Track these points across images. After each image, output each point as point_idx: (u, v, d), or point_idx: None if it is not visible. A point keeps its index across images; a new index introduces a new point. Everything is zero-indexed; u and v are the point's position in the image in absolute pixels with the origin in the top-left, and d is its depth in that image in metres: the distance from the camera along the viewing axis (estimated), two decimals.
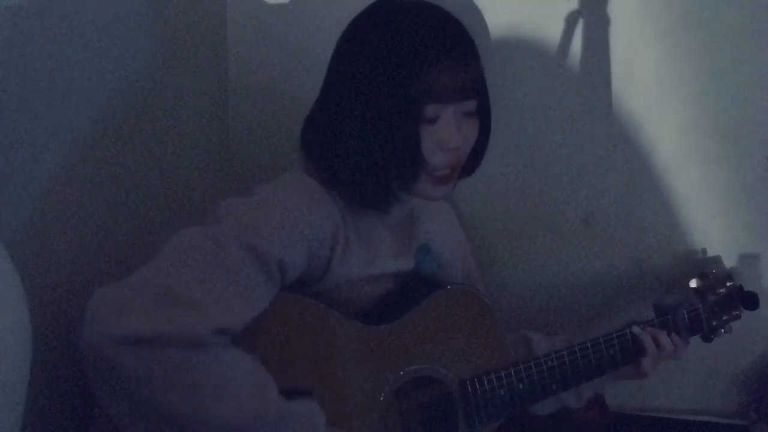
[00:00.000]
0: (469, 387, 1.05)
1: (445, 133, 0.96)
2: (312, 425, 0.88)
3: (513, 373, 1.07)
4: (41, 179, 0.93)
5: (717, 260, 1.28)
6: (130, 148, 1.11)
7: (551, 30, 1.26)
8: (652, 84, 1.26)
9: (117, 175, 1.08)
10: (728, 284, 1.24)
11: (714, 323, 1.22)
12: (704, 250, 1.31)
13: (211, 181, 1.35)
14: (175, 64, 1.22)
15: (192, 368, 0.79)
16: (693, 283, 1.24)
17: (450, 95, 0.95)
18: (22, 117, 0.88)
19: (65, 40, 0.95)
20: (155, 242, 0.86)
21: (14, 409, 0.68)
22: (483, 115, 1.03)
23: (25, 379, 0.69)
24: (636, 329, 1.14)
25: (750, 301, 1.24)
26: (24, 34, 0.87)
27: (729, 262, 1.30)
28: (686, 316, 1.18)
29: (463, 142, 0.99)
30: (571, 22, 1.25)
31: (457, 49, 0.96)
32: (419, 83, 0.93)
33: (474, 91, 0.98)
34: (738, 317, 1.24)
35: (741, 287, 1.25)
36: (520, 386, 1.07)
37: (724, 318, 1.23)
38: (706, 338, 1.23)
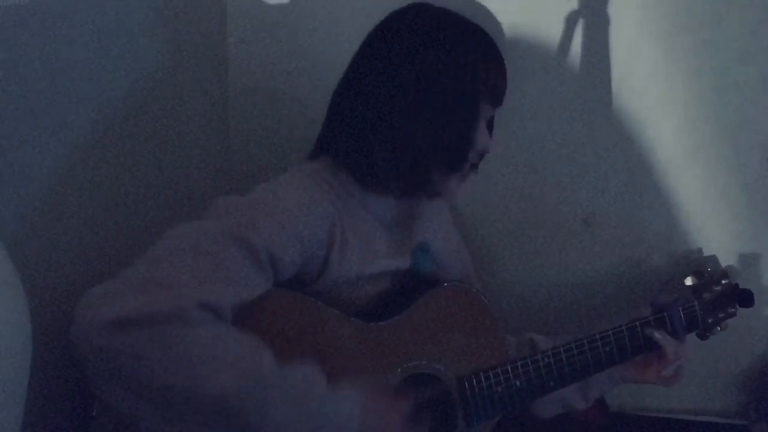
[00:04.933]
0: (466, 384, 1.06)
1: (485, 136, 1.05)
2: (312, 385, 0.87)
3: (510, 370, 1.08)
4: (41, 179, 0.93)
5: (712, 259, 1.28)
6: (130, 148, 1.11)
7: (551, 30, 1.26)
8: (652, 84, 1.26)
9: (117, 175, 1.08)
10: (723, 282, 1.24)
11: (710, 320, 1.22)
12: (700, 250, 1.31)
13: (211, 181, 1.35)
14: (175, 64, 1.22)
15: (182, 341, 0.79)
16: (688, 281, 1.24)
17: (498, 99, 1.06)
18: (22, 117, 0.88)
19: (65, 40, 0.95)
20: (155, 242, 0.87)
21: (14, 409, 0.68)
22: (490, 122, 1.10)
23: (25, 379, 0.69)
24: (651, 332, 1.14)
25: (745, 298, 1.24)
26: (24, 34, 0.87)
27: (728, 261, 1.30)
28: (682, 313, 1.19)
29: (489, 144, 1.07)
30: (571, 22, 1.25)
31: (502, 57, 1.05)
32: (483, 82, 1.01)
33: (503, 99, 1.08)
34: (733, 314, 1.24)
35: (736, 285, 1.25)
36: (518, 383, 1.08)
37: (720, 315, 1.23)
38: (702, 336, 1.23)
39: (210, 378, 0.79)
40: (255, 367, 0.83)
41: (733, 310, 1.24)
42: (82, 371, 0.80)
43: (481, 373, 1.06)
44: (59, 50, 0.93)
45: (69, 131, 0.97)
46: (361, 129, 1.01)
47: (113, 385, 0.80)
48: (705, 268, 1.25)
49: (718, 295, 1.23)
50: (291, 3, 1.34)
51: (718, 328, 1.23)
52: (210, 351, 0.80)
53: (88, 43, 0.99)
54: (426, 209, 1.16)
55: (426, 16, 1.03)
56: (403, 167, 1.01)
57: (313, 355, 0.94)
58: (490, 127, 1.09)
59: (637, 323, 1.15)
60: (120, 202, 1.08)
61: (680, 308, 1.19)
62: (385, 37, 1.03)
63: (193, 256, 0.84)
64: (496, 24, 1.27)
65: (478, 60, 1.01)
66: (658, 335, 1.14)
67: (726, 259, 1.29)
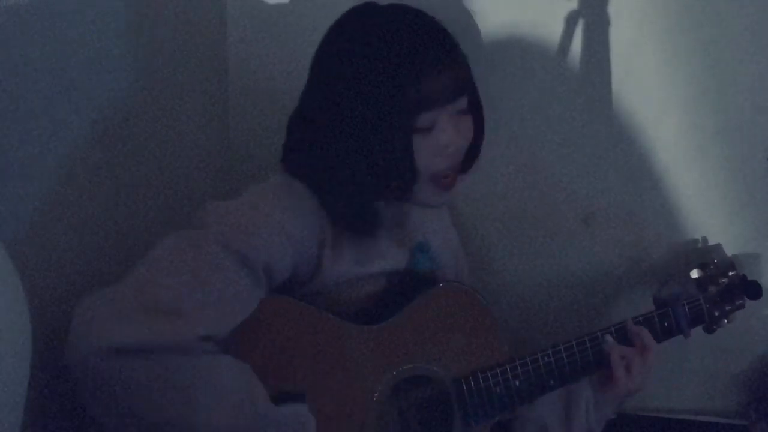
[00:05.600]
0: (464, 385, 1.05)
1: (445, 137, 0.96)
2: (302, 430, 0.88)
3: (508, 370, 1.07)
4: (41, 179, 0.93)
5: (718, 249, 1.27)
6: (130, 148, 1.11)
7: (551, 30, 1.26)
8: (652, 84, 1.26)
9: (117, 175, 1.08)
10: (730, 274, 1.22)
11: (716, 313, 1.21)
12: (704, 239, 1.30)
13: (211, 181, 1.35)
14: (175, 64, 1.22)
15: (179, 375, 0.79)
16: (694, 274, 1.22)
17: (442, 99, 0.95)
18: (22, 117, 0.88)
19: (65, 40, 0.95)
20: (155, 243, 0.87)
21: (14, 409, 0.68)
22: (475, 111, 1.03)
23: (25, 379, 0.69)
24: (609, 340, 1.10)
25: (753, 290, 1.22)
26: (24, 34, 0.87)
27: None
28: (686, 308, 1.17)
29: (463, 141, 0.99)
30: (571, 22, 1.25)
31: (442, 51, 0.95)
32: (410, 93, 0.92)
33: (463, 88, 0.98)
34: (741, 306, 1.23)
35: (744, 276, 1.23)
36: (516, 383, 1.07)
37: (727, 308, 1.21)
38: (709, 329, 1.22)
39: (205, 414, 0.79)
40: (249, 406, 0.83)
41: (741, 302, 1.23)
42: (75, 390, 0.80)
43: (479, 374, 1.06)
44: (59, 50, 0.93)
45: (69, 131, 0.97)
46: (302, 150, 1.00)
47: (105, 410, 0.80)
48: (711, 259, 1.23)
49: (725, 287, 1.21)
50: (291, 3, 1.34)
51: (725, 321, 1.21)
52: (205, 386, 0.80)
53: (87, 43, 0.99)
54: (425, 209, 1.15)
55: (354, 25, 0.97)
56: (352, 208, 0.97)
57: (310, 359, 0.94)
58: (478, 114, 1.03)
59: (640, 318, 1.14)
60: (120, 202, 1.08)
61: (685, 303, 1.18)
62: (318, 53, 1.00)
63: (192, 277, 0.83)
64: (496, 24, 1.27)
65: (396, 75, 0.92)
66: (607, 347, 1.09)
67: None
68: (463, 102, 0.99)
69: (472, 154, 1.05)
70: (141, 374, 0.77)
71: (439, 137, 0.96)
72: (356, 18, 0.98)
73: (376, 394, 0.99)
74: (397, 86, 0.92)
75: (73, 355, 0.78)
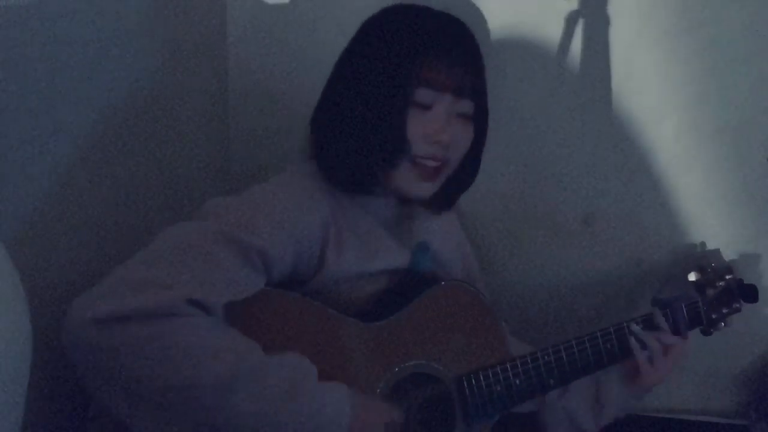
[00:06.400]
0: (465, 383, 1.05)
1: (434, 123, 0.99)
2: (302, 373, 0.87)
3: (509, 368, 1.07)
4: (41, 179, 0.93)
5: (716, 254, 1.27)
6: (130, 148, 1.11)
7: (551, 30, 1.26)
8: (652, 84, 1.26)
9: (117, 175, 1.08)
10: (727, 277, 1.23)
11: (713, 316, 1.21)
12: (703, 244, 1.31)
13: (211, 181, 1.35)
14: (175, 64, 1.22)
15: (171, 333, 0.80)
16: (692, 277, 1.22)
17: (444, 83, 0.98)
18: (22, 117, 0.88)
19: (65, 40, 0.95)
20: (148, 243, 0.87)
21: (14, 409, 0.68)
22: (479, 122, 1.05)
23: (25, 379, 0.69)
24: (635, 328, 1.13)
25: (749, 293, 1.23)
26: (24, 34, 0.87)
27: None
28: (685, 310, 1.18)
29: (452, 140, 1.01)
30: (571, 22, 1.25)
31: (458, 45, 1.00)
32: (413, 64, 0.97)
33: (471, 91, 1.01)
34: (738, 310, 1.23)
35: (741, 280, 1.24)
36: (517, 381, 1.07)
37: (724, 311, 1.22)
38: (706, 332, 1.22)
39: (201, 367, 0.80)
40: (246, 356, 0.84)
41: (737, 305, 1.23)
42: (75, 371, 0.81)
43: (480, 373, 1.06)
44: (59, 50, 0.93)
45: (69, 131, 0.97)
46: (317, 127, 1.04)
47: (105, 384, 0.81)
48: (709, 263, 1.24)
49: (722, 291, 1.22)
50: (291, 3, 1.34)
51: (723, 324, 1.22)
52: (200, 341, 0.81)
53: (87, 43, 0.99)
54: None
55: (376, 18, 1.03)
56: (346, 163, 1.00)
57: (311, 355, 0.94)
58: (481, 126, 1.05)
59: (639, 320, 1.14)
60: (120, 202, 1.08)
61: (683, 305, 1.18)
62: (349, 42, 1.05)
63: (184, 256, 0.85)
64: (496, 24, 1.27)
65: (407, 47, 0.97)
66: (635, 341, 1.12)
67: (726, 259, 1.29)
68: (467, 106, 1.01)
69: (471, 168, 1.07)
70: (131, 338, 0.78)
71: (431, 121, 0.99)
72: (387, 11, 1.04)
73: (377, 392, 0.99)
74: (406, 54, 0.97)
75: (67, 330, 0.79)
